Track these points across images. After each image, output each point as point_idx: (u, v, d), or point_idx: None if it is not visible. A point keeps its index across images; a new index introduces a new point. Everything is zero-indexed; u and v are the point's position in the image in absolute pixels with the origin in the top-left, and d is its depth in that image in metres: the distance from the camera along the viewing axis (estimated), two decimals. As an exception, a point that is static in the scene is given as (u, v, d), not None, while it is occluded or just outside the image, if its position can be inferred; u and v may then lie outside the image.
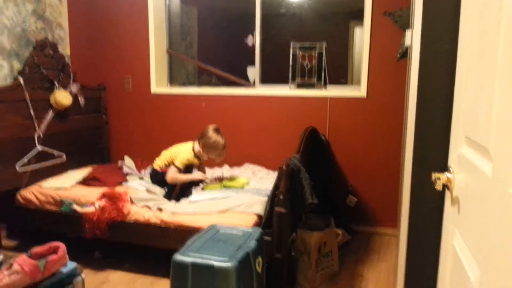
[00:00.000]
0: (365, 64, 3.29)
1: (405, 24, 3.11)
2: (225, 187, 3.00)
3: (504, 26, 0.82)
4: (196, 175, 2.98)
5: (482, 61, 0.99)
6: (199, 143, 2.93)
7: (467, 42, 1.17)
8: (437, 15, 1.43)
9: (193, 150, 2.96)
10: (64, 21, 3.52)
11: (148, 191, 2.87)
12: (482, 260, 0.88)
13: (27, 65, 3.12)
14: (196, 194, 2.85)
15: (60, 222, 2.86)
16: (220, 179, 3.12)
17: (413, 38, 1.52)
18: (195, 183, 3.01)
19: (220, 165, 3.66)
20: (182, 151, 2.94)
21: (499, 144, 0.82)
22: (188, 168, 2.97)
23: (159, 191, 2.89)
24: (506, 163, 0.77)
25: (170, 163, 2.93)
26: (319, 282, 2.61)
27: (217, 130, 2.92)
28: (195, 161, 2.98)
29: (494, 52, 0.87)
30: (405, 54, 3.13)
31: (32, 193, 2.95)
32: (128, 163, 3.49)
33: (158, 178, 2.96)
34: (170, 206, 2.67)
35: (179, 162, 2.89)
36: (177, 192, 2.88)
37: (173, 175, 2.87)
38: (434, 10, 1.44)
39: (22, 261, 1.49)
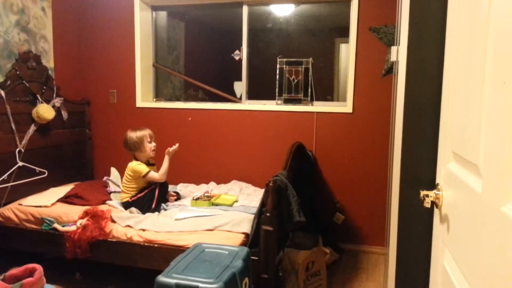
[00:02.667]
0: (351, 80, 3.31)
1: (390, 40, 3.14)
2: (213, 204, 2.95)
3: (491, 41, 0.81)
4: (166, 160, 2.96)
5: (469, 77, 0.97)
6: (133, 151, 2.96)
7: (453, 58, 1.16)
8: (423, 31, 1.43)
9: (137, 160, 2.95)
10: (49, 33, 3.47)
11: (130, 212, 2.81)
12: (474, 281, 0.85)
13: (9, 78, 3.05)
14: (182, 211, 2.79)
15: (40, 241, 2.76)
16: (209, 196, 3.06)
17: (399, 54, 1.52)
18: (164, 199, 3.00)
19: (206, 181, 3.62)
20: (134, 166, 2.91)
21: (489, 160, 0.80)
22: (164, 188, 2.99)
23: (136, 210, 2.83)
24: (496, 180, 0.75)
25: (137, 182, 2.91)
26: (307, 302, 2.55)
27: (133, 130, 2.98)
28: (148, 167, 2.95)
29: (482, 67, 0.86)
30: (390, 70, 3.16)
31: (12, 210, 2.85)
32: (114, 176, 3.40)
33: (132, 206, 2.88)
34: (154, 224, 2.60)
35: (143, 170, 2.87)
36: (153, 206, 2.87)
37: (156, 175, 2.90)
38: (420, 26, 1.44)
39: (-5, 284, 1.42)
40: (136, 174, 2.89)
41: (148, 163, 2.98)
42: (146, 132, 2.95)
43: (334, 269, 3.03)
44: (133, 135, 2.93)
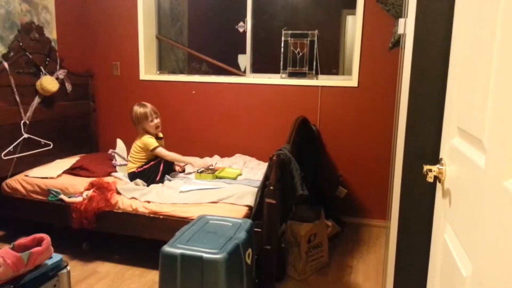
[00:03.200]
0: (357, 53, 3.26)
1: (398, 12, 3.07)
2: (217, 177, 2.97)
3: (501, 14, 0.79)
4: (188, 159, 3.08)
5: (477, 50, 0.96)
6: (137, 126, 2.98)
7: (461, 31, 1.14)
8: (431, 3, 1.40)
9: (148, 133, 2.98)
10: (50, 4, 3.42)
11: (135, 183, 2.85)
12: (475, 255, 0.87)
13: (12, 49, 3.03)
14: (187, 184, 2.82)
15: (47, 212, 2.81)
16: (213, 170, 3.09)
17: (407, 26, 1.49)
18: (169, 171, 3.04)
19: (210, 155, 3.63)
20: (144, 138, 2.94)
21: (493, 135, 0.80)
22: (169, 163, 3.03)
23: (141, 182, 2.87)
24: (500, 155, 0.75)
25: (147, 154, 2.94)
26: (309, 274, 2.60)
27: (138, 104, 3.01)
28: (157, 141, 3.01)
29: (490, 40, 0.84)
30: (397, 43, 3.10)
31: (18, 182, 2.89)
32: (120, 148, 3.41)
33: (138, 177, 2.92)
34: (159, 197, 2.63)
35: (152, 144, 2.92)
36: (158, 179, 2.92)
37: (165, 152, 2.96)
38: (429, -2, 1.40)
39: (4, 253, 1.45)
40: (146, 147, 2.92)
41: (157, 137, 3.02)
42: (148, 110, 2.96)
43: (336, 242, 3.08)
44: (139, 109, 2.96)
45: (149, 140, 2.93)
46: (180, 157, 3.05)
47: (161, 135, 3.12)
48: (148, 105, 3.00)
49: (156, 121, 2.99)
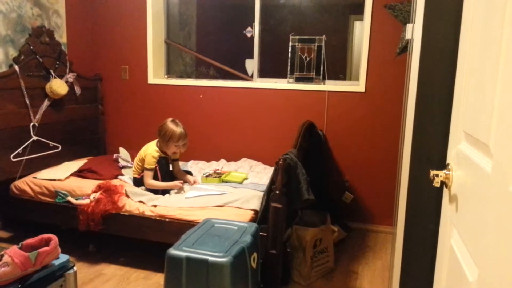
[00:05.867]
0: (364, 58, 3.26)
1: (406, 18, 3.08)
2: (223, 181, 2.98)
3: (508, 18, 0.79)
4: (173, 183, 2.84)
5: (484, 55, 0.96)
6: (158, 138, 2.87)
7: (469, 36, 1.14)
8: (439, 9, 1.40)
9: (157, 146, 2.88)
10: (61, 8, 3.47)
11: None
12: (481, 260, 0.86)
13: (23, 53, 3.07)
14: (192, 190, 2.82)
15: (54, 214, 2.83)
16: (219, 173, 3.09)
17: (414, 32, 1.49)
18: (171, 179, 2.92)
19: (217, 159, 3.65)
20: (148, 152, 2.85)
21: (499, 140, 0.80)
22: (165, 166, 2.89)
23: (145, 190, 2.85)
24: (506, 160, 0.75)
25: (143, 168, 2.86)
26: (314, 279, 2.59)
27: (173, 121, 2.85)
28: (169, 159, 2.93)
29: (497, 45, 0.84)
30: (405, 48, 3.10)
31: (27, 183, 2.92)
32: (123, 155, 3.45)
33: (139, 183, 2.89)
34: (165, 201, 2.64)
35: (148, 164, 2.80)
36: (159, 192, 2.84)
37: (148, 181, 2.80)
38: (436, 4, 1.41)
39: (13, 253, 1.47)
40: (144, 158, 2.86)
41: (163, 153, 2.89)
42: (177, 140, 2.80)
43: (341, 247, 3.07)
44: (170, 127, 2.79)
45: (150, 160, 2.81)
46: (163, 185, 2.83)
47: (177, 156, 2.99)
48: (181, 126, 2.84)
49: (177, 150, 2.85)
